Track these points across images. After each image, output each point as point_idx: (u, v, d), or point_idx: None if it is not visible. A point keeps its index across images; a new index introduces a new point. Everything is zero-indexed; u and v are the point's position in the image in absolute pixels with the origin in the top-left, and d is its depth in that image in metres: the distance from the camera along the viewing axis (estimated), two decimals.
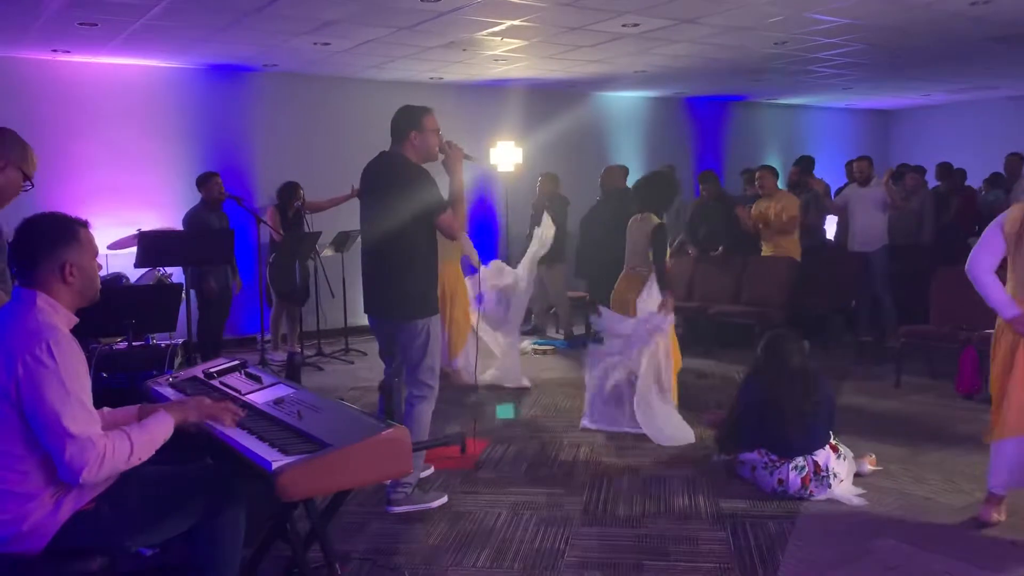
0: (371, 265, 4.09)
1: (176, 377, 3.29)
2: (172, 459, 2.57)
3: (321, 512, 2.85)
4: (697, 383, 6.68)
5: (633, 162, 10.65)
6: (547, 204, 8.20)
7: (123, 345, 5.04)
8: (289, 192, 7.85)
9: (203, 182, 7.14)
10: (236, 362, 3.31)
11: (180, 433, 2.56)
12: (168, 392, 3.08)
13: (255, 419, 2.64)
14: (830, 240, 9.30)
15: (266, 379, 3.06)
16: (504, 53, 8.10)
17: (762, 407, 4.30)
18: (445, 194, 4.01)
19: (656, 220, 5.41)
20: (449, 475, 4.60)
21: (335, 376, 7.26)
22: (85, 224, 2.50)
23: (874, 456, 4.57)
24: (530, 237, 9.05)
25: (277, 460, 2.27)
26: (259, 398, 2.84)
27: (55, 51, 7.43)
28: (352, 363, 7.79)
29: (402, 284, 3.96)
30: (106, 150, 7.99)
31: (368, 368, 7.41)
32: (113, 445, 2.27)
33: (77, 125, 7.85)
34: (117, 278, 6.04)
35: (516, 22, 6.76)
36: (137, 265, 5.64)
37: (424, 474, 4.49)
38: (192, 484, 2.54)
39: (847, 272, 8.00)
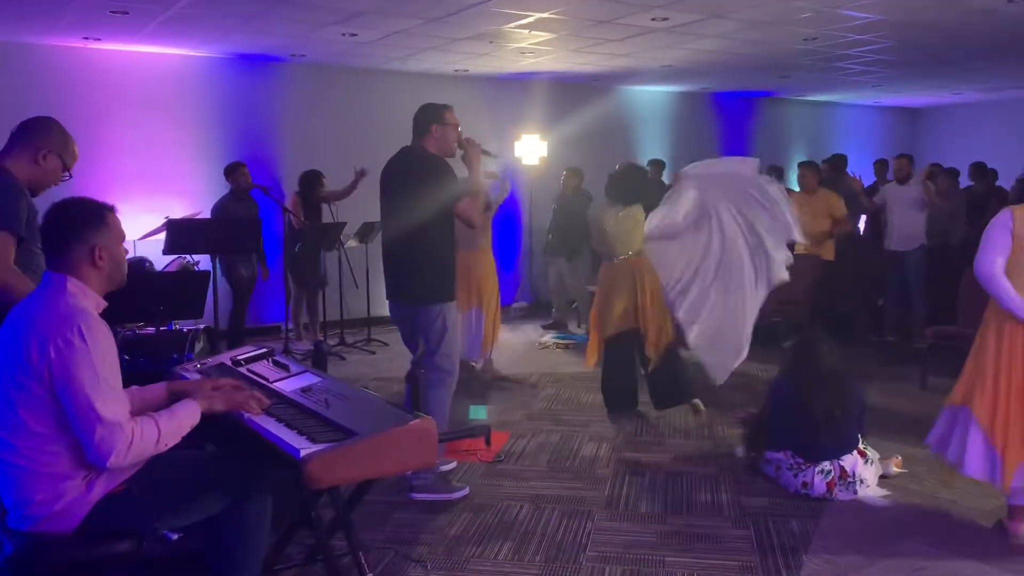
0: (391, 252, 4.22)
1: (204, 364, 3.32)
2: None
3: (346, 500, 2.87)
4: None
5: (659, 157, 10.62)
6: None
7: (148, 330, 5.09)
8: (311, 181, 7.82)
9: (231, 171, 7.24)
10: (264, 350, 3.33)
11: None
12: (195, 378, 3.09)
13: (283, 407, 2.65)
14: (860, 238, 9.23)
15: (293, 367, 3.08)
16: (531, 46, 8.08)
17: (791, 409, 4.27)
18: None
19: (643, 211, 5.44)
20: (471, 467, 4.61)
21: (357, 366, 7.28)
22: (112, 209, 2.53)
23: (900, 458, 4.53)
24: (551, 231, 9.11)
25: (305, 448, 2.28)
26: (286, 386, 2.86)
27: (86, 39, 7.49)
28: (374, 353, 7.81)
29: (420, 270, 4.08)
30: (135, 138, 8.05)
31: (390, 359, 7.43)
32: (141, 431, 2.29)
33: (107, 113, 7.92)
34: (140, 262, 6.07)
35: (544, 15, 6.73)
36: (165, 252, 5.70)
37: (446, 468, 4.51)
38: (221, 470, 2.56)
39: (876, 271, 7.92)
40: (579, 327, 8.93)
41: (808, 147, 12.61)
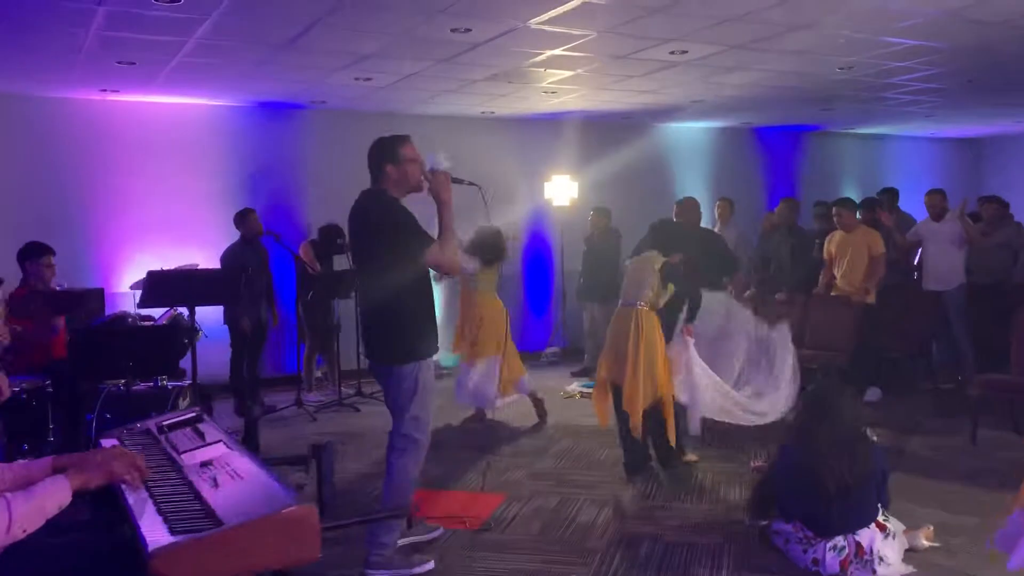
0: (362, 308, 3.95)
1: (131, 429, 3.09)
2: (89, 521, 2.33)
3: None
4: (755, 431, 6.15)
5: (699, 195, 10.15)
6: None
7: (140, 387, 4.91)
8: (331, 236, 7.59)
9: (241, 218, 7.14)
10: (193, 414, 3.08)
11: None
12: (110, 443, 2.84)
13: (168, 483, 2.37)
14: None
15: (211, 436, 2.79)
16: (553, 85, 7.82)
17: (800, 474, 3.77)
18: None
19: (662, 257, 5.24)
20: (454, 535, 4.24)
21: (370, 418, 6.97)
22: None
23: (931, 528, 3.98)
24: (583, 274, 8.77)
25: (158, 540, 1.97)
26: (189, 459, 2.57)
27: (104, 91, 7.52)
28: None
29: (388, 327, 3.72)
30: (155, 188, 8.01)
31: None
32: None
33: (127, 163, 7.89)
34: (123, 317, 5.85)
35: (557, 51, 6.47)
36: (139, 305, 5.48)
37: (431, 535, 4.16)
38: (92, 563, 2.27)
39: (920, 313, 7.34)
40: None
41: (861, 182, 12.01)
